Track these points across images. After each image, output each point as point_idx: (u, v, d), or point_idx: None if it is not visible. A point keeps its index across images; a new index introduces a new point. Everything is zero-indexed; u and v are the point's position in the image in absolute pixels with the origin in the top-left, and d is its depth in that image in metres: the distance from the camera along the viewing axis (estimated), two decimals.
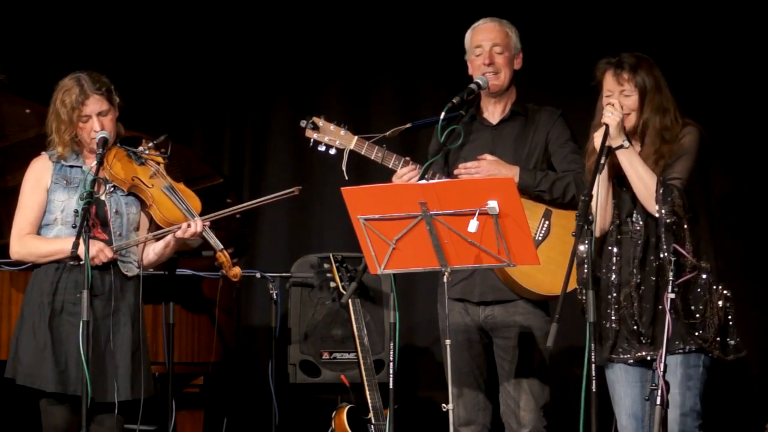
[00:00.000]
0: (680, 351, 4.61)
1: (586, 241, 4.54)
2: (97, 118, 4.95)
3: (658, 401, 4.47)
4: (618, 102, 4.68)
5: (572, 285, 4.79)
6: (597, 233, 4.70)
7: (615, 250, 4.72)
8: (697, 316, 4.63)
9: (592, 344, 4.43)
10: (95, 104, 4.95)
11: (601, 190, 4.67)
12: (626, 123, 4.70)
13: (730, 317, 4.68)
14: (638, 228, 4.69)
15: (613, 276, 4.70)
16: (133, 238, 5.02)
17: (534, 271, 5.00)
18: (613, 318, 4.69)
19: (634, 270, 4.66)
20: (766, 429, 5.64)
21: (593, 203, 4.59)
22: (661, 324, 4.56)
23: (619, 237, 4.73)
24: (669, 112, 4.71)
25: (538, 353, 5.19)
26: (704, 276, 4.64)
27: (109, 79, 5.01)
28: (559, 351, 5.87)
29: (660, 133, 4.69)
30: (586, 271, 4.61)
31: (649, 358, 4.66)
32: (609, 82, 4.74)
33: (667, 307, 4.51)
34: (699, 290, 4.64)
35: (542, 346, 5.12)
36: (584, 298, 4.60)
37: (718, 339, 4.64)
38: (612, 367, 4.75)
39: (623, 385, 4.74)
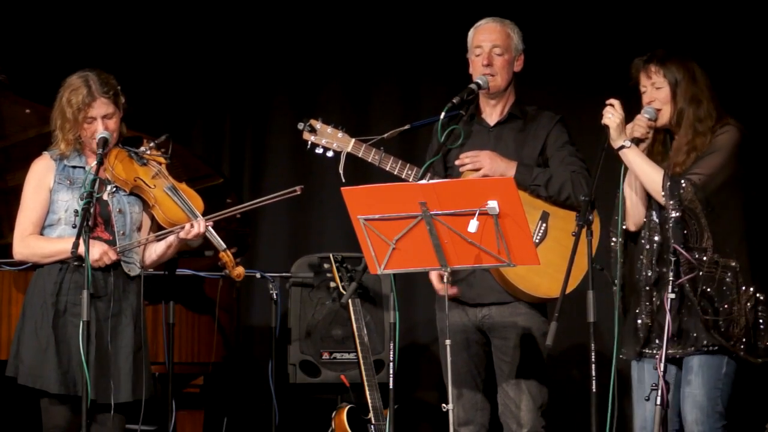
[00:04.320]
0: (703, 349, 4.59)
1: (617, 238, 4.64)
2: (102, 120, 4.95)
3: (658, 401, 4.48)
4: (618, 104, 4.68)
5: (572, 285, 4.81)
6: (632, 228, 4.74)
7: (646, 245, 4.72)
8: (721, 314, 4.60)
9: (593, 344, 4.44)
10: (101, 107, 4.95)
11: (631, 185, 4.69)
12: (661, 118, 4.73)
13: (761, 320, 4.64)
14: (654, 226, 4.70)
15: (644, 270, 4.70)
16: (136, 238, 5.03)
17: (531, 274, 5.00)
18: (645, 312, 4.69)
19: (656, 268, 4.66)
20: (766, 429, 5.64)
21: (627, 195, 4.66)
22: (686, 321, 4.56)
23: (648, 232, 4.73)
24: (702, 104, 4.70)
25: (537, 354, 5.19)
26: (730, 274, 4.61)
27: (116, 80, 5.02)
28: (557, 351, 5.88)
29: (693, 125, 4.69)
30: (618, 268, 4.67)
31: (678, 356, 4.65)
32: (642, 77, 4.76)
33: (667, 306, 4.51)
34: (725, 288, 4.62)
35: (541, 346, 5.13)
36: (621, 294, 4.65)
37: (744, 340, 4.61)
38: (640, 365, 4.73)
39: (646, 387, 4.71)
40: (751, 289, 4.65)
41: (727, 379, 4.64)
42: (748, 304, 4.63)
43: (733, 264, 4.63)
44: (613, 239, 4.74)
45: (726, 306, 4.61)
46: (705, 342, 4.58)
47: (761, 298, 4.66)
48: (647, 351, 4.70)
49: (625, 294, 4.73)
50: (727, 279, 4.62)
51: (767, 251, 5.16)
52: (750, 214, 4.73)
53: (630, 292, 4.73)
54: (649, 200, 4.73)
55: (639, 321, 4.69)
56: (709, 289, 4.61)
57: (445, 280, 4.64)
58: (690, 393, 4.61)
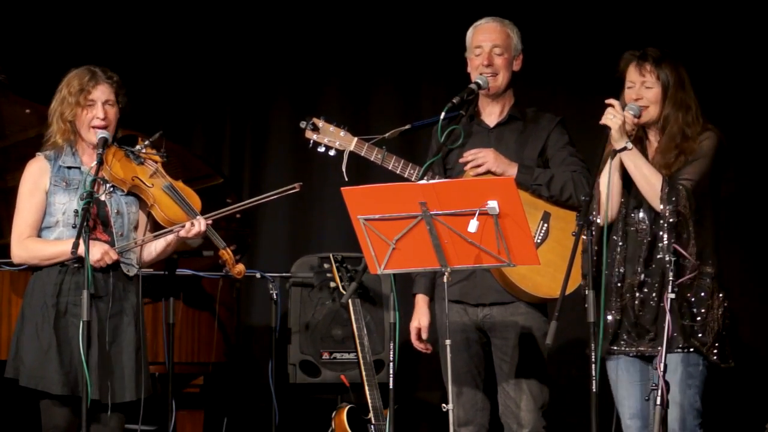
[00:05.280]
0: (679, 350, 4.62)
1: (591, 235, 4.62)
2: (102, 106, 4.97)
3: (658, 401, 4.48)
4: (619, 104, 4.68)
5: (573, 285, 4.81)
6: (602, 222, 4.71)
7: (620, 241, 4.72)
8: (698, 319, 4.63)
9: (593, 344, 4.44)
10: (103, 92, 4.98)
11: (613, 177, 4.69)
12: (645, 116, 4.73)
13: (725, 328, 4.67)
14: (644, 227, 4.70)
15: (617, 267, 4.71)
16: (133, 237, 5.03)
17: (532, 274, 5.00)
18: (614, 308, 4.69)
19: (639, 269, 4.67)
20: (766, 429, 5.64)
21: (603, 189, 4.65)
22: (662, 323, 4.57)
23: (625, 229, 4.73)
24: (691, 109, 4.72)
25: (537, 354, 5.19)
26: (708, 281, 4.65)
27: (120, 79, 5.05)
28: (557, 351, 5.87)
29: (681, 129, 4.70)
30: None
31: (648, 354, 4.68)
32: (632, 73, 4.75)
33: (667, 307, 4.52)
34: (702, 294, 4.65)
35: (541, 346, 5.13)
36: (587, 290, 4.63)
37: (717, 345, 4.64)
38: (613, 364, 4.76)
39: (625, 385, 4.75)
40: (721, 295, 4.68)
41: (702, 377, 4.67)
42: (720, 310, 4.66)
43: (710, 270, 4.66)
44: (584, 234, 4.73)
45: (703, 311, 4.64)
46: (680, 344, 4.60)
47: (727, 305, 4.69)
48: (615, 348, 4.72)
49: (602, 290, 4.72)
50: (705, 285, 4.65)
51: (731, 258, 5.18)
52: (719, 220, 4.76)
53: (596, 295, 4.71)
54: (639, 199, 4.72)
55: (609, 318, 4.70)
56: (688, 294, 4.63)
57: (445, 279, 4.64)
58: (669, 391, 4.61)
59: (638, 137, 4.79)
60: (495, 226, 4.47)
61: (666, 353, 4.51)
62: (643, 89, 4.74)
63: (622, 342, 4.72)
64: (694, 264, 4.61)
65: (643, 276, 4.67)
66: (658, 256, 4.66)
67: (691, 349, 4.63)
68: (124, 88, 5.05)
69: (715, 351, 4.64)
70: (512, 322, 5.17)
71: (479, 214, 4.47)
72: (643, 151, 4.76)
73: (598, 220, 4.71)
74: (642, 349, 4.68)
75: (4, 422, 6.56)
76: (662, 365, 4.47)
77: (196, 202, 5.11)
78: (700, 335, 4.63)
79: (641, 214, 4.72)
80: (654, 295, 4.65)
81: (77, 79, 4.98)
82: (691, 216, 4.62)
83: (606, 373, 4.77)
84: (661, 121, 4.74)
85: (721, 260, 4.72)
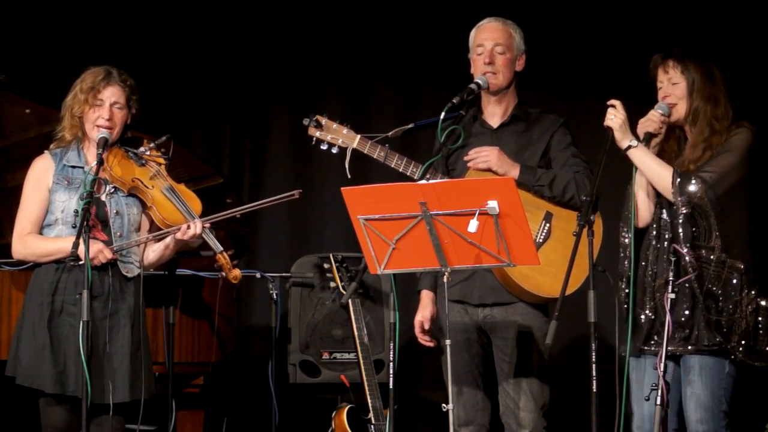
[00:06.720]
0: (703, 349, 4.60)
1: (628, 236, 4.66)
2: (109, 107, 4.98)
3: (658, 401, 4.48)
4: (620, 104, 4.69)
5: (574, 285, 4.81)
6: (639, 224, 4.75)
7: (654, 242, 4.73)
8: (724, 314, 4.62)
9: (593, 344, 4.45)
10: (113, 93, 4.99)
11: (640, 183, 4.71)
12: (675, 113, 4.74)
13: (761, 326, 4.66)
14: (665, 224, 4.71)
15: (650, 267, 4.71)
16: (134, 238, 5.03)
17: (534, 273, 5.00)
18: (648, 307, 4.70)
19: (665, 264, 4.67)
20: (766, 429, 5.64)
21: (636, 189, 4.66)
22: (696, 319, 4.58)
23: (657, 229, 4.73)
24: (720, 103, 4.72)
25: (538, 354, 5.19)
26: (736, 275, 4.63)
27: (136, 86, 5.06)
28: (558, 351, 5.87)
29: (710, 122, 4.71)
30: (626, 264, 4.69)
31: (678, 353, 4.66)
32: (659, 73, 4.78)
33: (667, 306, 4.52)
34: (730, 289, 4.63)
35: (542, 346, 5.12)
36: (626, 290, 4.67)
37: (743, 343, 4.62)
38: (640, 363, 4.75)
39: (645, 386, 4.71)
40: (753, 292, 4.66)
41: (730, 379, 4.66)
42: (749, 307, 4.64)
43: (740, 266, 4.64)
44: (624, 235, 4.75)
45: (730, 306, 4.62)
46: (706, 342, 4.59)
47: (763, 303, 4.67)
48: (646, 348, 4.72)
49: (631, 290, 4.73)
50: (733, 280, 4.63)
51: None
52: (755, 217, 4.74)
53: (634, 288, 4.73)
54: (659, 198, 4.74)
55: (642, 317, 4.70)
56: (714, 288, 4.62)
57: (445, 279, 4.64)
58: (693, 393, 4.61)
59: (676, 138, 4.79)
60: (495, 226, 4.47)
61: (690, 353, 4.56)
62: (669, 86, 4.76)
63: (652, 342, 4.71)
64: (718, 257, 4.60)
65: (669, 272, 4.66)
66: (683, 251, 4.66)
67: (715, 347, 4.60)
68: (137, 93, 5.06)
69: (741, 348, 4.61)
70: (513, 322, 5.17)
71: (479, 214, 4.47)
72: (682, 152, 4.76)
73: (636, 224, 4.72)
74: (672, 348, 4.64)
75: (6, 421, 6.55)
76: (662, 365, 4.48)
77: (196, 205, 5.10)
78: (724, 331, 4.60)
79: (664, 212, 4.73)
80: (686, 290, 4.62)
81: (91, 76, 5.01)
82: (711, 208, 4.61)
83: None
84: (690, 115, 4.74)
85: (756, 257, 4.69)
